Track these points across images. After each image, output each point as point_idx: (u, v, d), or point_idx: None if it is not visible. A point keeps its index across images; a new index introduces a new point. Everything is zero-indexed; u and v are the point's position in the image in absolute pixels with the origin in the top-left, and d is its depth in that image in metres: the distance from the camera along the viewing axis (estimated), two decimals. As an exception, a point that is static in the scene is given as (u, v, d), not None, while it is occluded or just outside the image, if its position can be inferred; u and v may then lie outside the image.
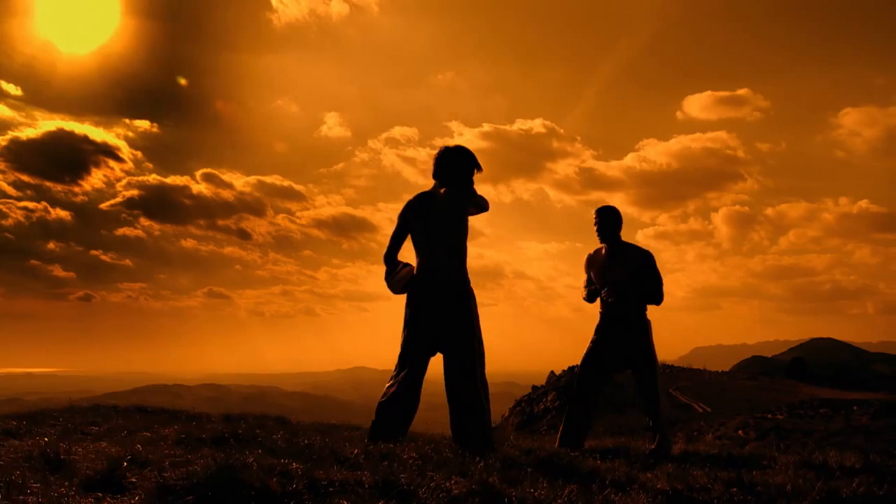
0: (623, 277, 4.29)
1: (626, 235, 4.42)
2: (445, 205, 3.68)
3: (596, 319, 4.45)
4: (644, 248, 4.33)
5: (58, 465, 2.49)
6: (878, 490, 3.01)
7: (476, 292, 3.76)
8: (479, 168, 3.83)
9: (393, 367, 3.77)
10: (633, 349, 4.29)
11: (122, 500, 2.12)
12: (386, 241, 3.95)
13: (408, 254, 3.90)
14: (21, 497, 2.02)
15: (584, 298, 4.56)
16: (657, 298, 4.29)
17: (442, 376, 3.69)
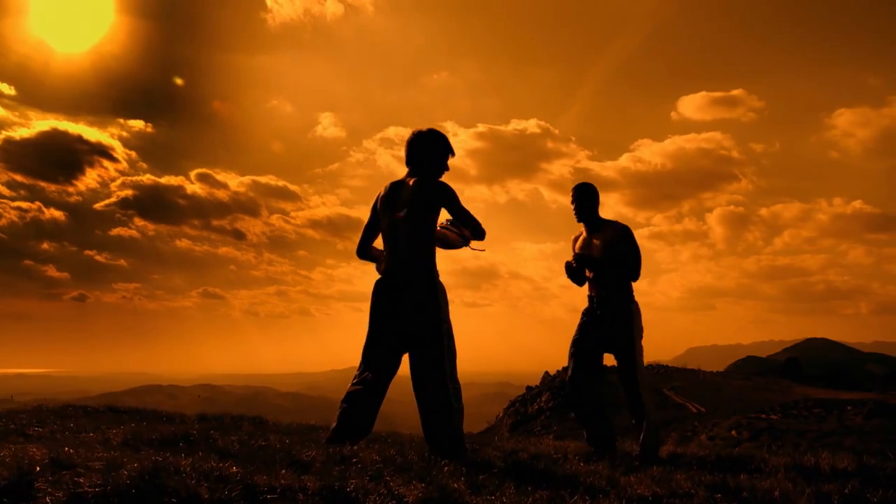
0: (601, 254, 4.10)
1: None
2: (414, 195, 3.45)
3: None
4: (622, 223, 4.15)
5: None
6: (871, 495, 2.80)
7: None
8: (452, 152, 3.62)
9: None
10: (614, 331, 4.07)
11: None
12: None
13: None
14: None
15: (571, 279, 4.30)
16: (633, 274, 4.09)
17: None
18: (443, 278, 3.49)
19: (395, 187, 3.59)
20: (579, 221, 4.26)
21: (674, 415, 40.79)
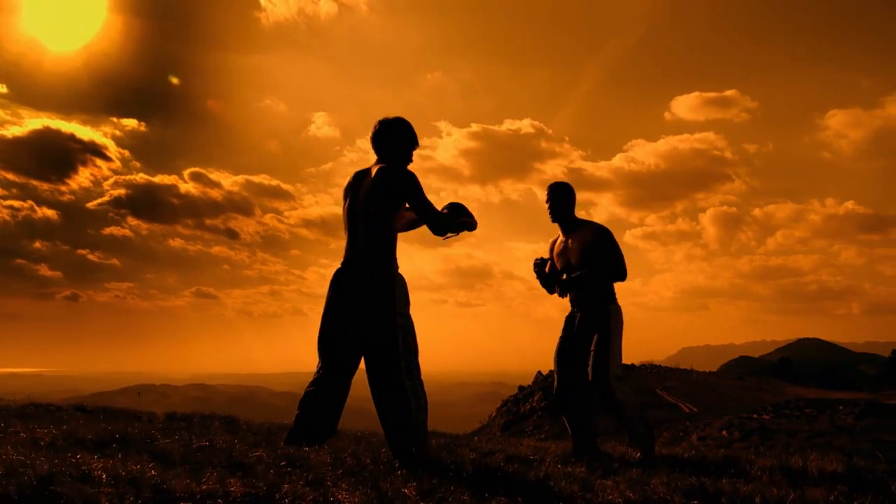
0: (578, 257, 3.91)
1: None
2: (375, 182, 3.23)
3: None
4: (600, 223, 3.96)
5: None
6: (859, 502, 2.59)
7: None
8: (416, 143, 3.42)
9: None
10: (591, 332, 3.87)
11: None
12: None
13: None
14: None
15: (542, 285, 4.19)
16: (619, 274, 3.88)
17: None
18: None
19: (360, 176, 3.41)
20: (554, 221, 4.10)
21: (666, 415, 40.68)
